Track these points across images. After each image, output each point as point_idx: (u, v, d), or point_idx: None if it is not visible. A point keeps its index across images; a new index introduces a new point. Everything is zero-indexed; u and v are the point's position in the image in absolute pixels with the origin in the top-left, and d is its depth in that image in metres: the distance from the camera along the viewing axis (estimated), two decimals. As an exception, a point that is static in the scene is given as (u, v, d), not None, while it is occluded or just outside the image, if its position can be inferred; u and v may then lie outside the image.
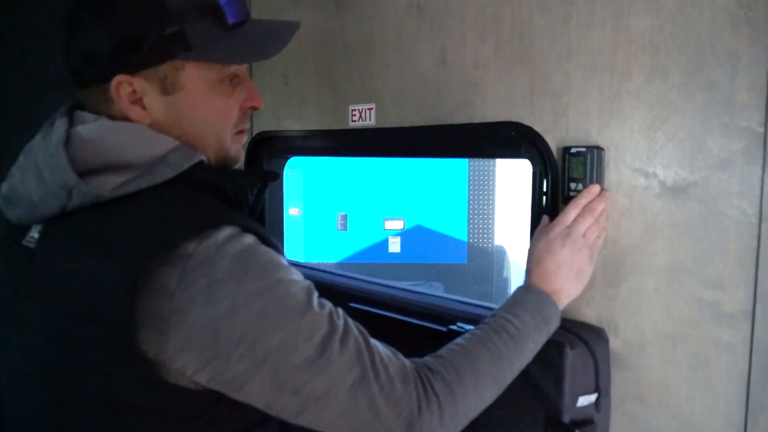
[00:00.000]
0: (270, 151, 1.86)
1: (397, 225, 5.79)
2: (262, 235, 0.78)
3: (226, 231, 0.74)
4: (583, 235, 1.01)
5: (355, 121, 1.52)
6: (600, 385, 1.03)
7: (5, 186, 0.85)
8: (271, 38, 0.89)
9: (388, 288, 1.35)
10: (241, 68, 0.89)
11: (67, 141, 0.79)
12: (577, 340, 1.02)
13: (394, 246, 5.67)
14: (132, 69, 0.80)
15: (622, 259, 1.06)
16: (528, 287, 0.99)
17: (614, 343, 1.07)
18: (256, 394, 0.73)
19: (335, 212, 5.78)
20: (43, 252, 0.79)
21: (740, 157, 0.92)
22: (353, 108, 1.52)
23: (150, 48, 0.79)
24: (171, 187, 0.79)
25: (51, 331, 0.77)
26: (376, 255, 5.69)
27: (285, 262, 0.78)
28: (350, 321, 0.80)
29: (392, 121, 1.43)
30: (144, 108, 0.82)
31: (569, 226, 1.01)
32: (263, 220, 1.91)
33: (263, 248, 0.77)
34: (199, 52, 0.81)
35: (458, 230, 5.83)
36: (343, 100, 1.56)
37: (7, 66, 1.84)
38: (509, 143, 1.21)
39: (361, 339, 0.78)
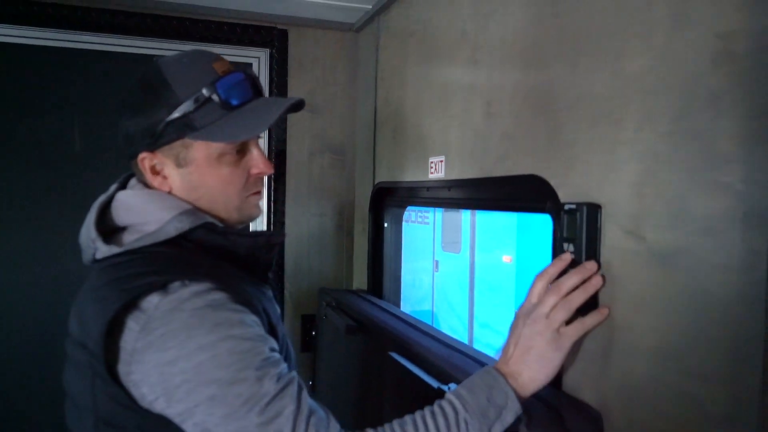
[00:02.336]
0: (388, 202, 1.97)
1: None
2: (236, 293, 0.87)
3: (195, 287, 0.84)
4: (548, 316, 0.90)
5: (432, 173, 1.55)
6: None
7: None
8: (265, 116, 0.96)
9: (428, 337, 1.33)
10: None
11: (112, 201, 0.99)
12: (549, 418, 0.90)
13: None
14: (151, 147, 0.95)
15: (615, 336, 0.91)
16: (488, 368, 0.93)
17: (608, 431, 0.92)
18: None
19: (548, 263, 5.48)
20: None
21: (722, 220, 0.74)
22: (431, 160, 1.56)
23: (162, 132, 0.93)
24: (172, 246, 0.92)
25: (68, 352, 0.94)
26: (590, 311, 5.23)
27: (248, 321, 0.85)
28: (292, 386, 0.83)
29: (456, 173, 1.43)
30: (165, 177, 0.97)
31: (534, 304, 0.92)
32: (379, 268, 2.01)
33: (231, 306, 0.85)
34: (203, 132, 0.93)
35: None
36: (425, 152, 1.60)
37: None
38: (533, 197, 1.13)
39: (292, 408, 0.81)
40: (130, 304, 0.83)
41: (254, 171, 1.00)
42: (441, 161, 1.50)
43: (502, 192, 1.24)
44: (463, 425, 0.85)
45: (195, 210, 0.96)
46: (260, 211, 1.05)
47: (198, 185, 0.97)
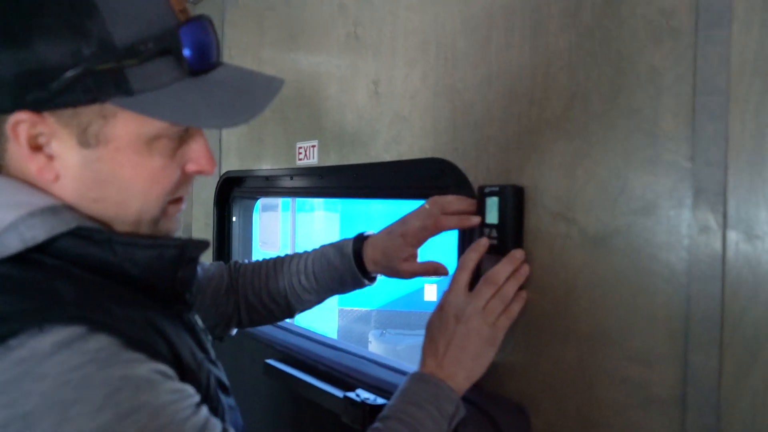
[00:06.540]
0: (237, 193, 1.78)
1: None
2: (127, 331, 0.57)
3: (60, 334, 0.53)
4: (483, 309, 0.84)
5: (300, 159, 1.41)
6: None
7: None
8: (244, 97, 0.66)
9: (312, 342, 1.20)
10: None
11: None
12: (478, 418, 0.84)
13: (431, 294, 5.44)
14: (40, 106, 0.58)
15: (543, 324, 0.87)
16: (422, 375, 0.83)
17: (535, 425, 0.88)
18: None
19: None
20: None
21: (666, 199, 0.73)
22: (299, 146, 1.42)
23: (70, 83, 0.57)
24: (22, 265, 0.58)
25: None
26: (411, 303, 5.47)
27: (154, 373, 0.56)
28: None
29: (333, 159, 1.31)
30: (51, 158, 0.61)
31: (465, 298, 0.85)
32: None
33: (124, 356, 0.55)
34: (140, 100, 0.59)
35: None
36: (292, 137, 1.46)
37: None
38: (436, 182, 1.06)
39: None
40: None
41: (192, 168, 0.68)
42: (313, 146, 1.37)
43: (395, 178, 1.15)
44: None
45: (62, 207, 0.62)
46: (179, 226, 0.72)
47: (106, 179, 0.63)
